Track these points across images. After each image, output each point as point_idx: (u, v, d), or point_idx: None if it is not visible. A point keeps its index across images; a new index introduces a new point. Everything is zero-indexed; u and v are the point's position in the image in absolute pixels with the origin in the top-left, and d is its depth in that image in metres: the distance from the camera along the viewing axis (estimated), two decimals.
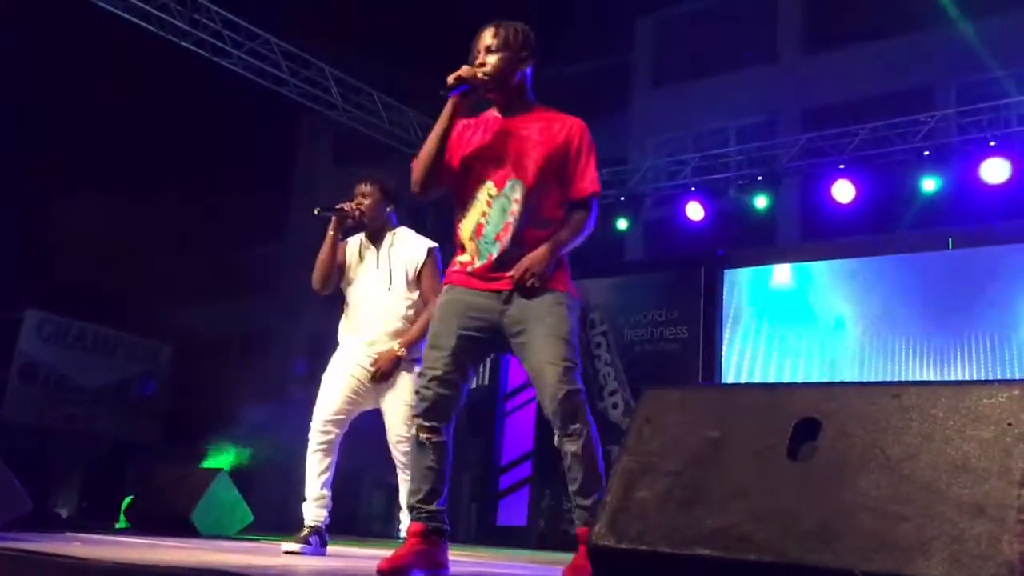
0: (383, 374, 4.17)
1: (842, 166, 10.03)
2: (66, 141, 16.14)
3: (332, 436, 4.22)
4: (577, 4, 14.99)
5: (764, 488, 1.82)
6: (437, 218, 18.45)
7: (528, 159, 3.05)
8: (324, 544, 4.19)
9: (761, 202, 10.64)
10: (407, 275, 4.34)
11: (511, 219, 3.03)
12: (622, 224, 11.14)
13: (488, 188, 3.07)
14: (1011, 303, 8.73)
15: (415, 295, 4.35)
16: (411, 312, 4.34)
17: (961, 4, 12.40)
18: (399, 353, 4.19)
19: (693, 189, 10.87)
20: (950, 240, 9.27)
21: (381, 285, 4.33)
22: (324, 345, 4.99)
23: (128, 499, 8.13)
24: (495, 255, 3.03)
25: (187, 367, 16.68)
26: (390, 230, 4.46)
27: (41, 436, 13.64)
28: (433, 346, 3.05)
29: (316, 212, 4.36)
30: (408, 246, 4.41)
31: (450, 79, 3.06)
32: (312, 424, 4.24)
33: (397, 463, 4.21)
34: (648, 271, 11.37)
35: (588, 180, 3.09)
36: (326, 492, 4.21)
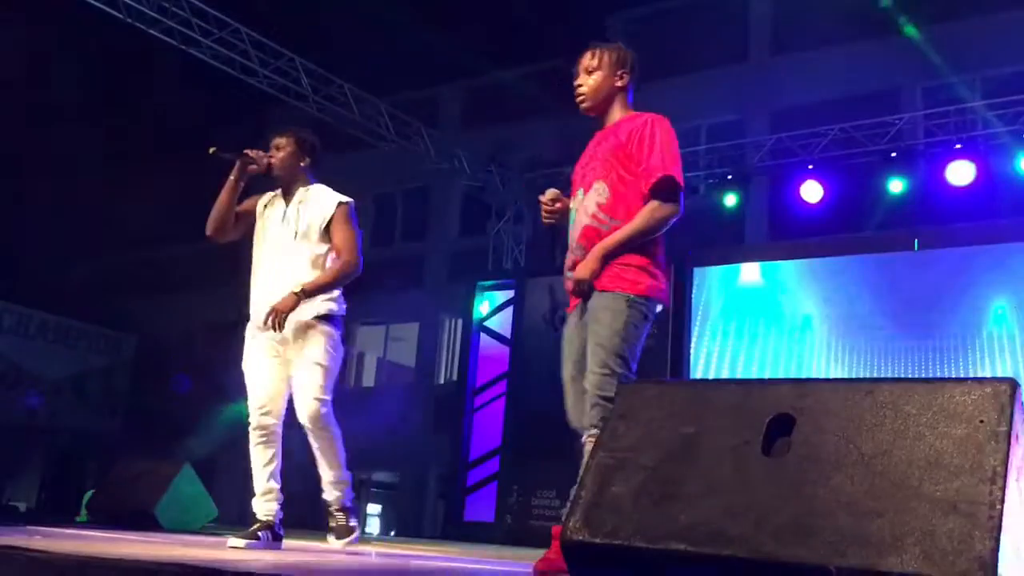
0: (277, 321, 3.77)
1: (811, 166, 10.13)
2: (32, 131, 15.88)
3: (270, 426, 3.97)
4: (544, 3, 15.00)
5: (738, 484, 1.82)
6: (406, 211, 18.37)
7: (600, 160, 3.14)
8: (278, 539, 3.95)
9: (730, 200, 10.71)
10: (316, 229, 3.98)
11: (585, 220, 3.10)
12: None
13: (578, 196, 3.20)
14: (976, 303, 8.85)
15: (326, 251, 4.00)
16: (319, 272, 3.98)
17: (924, 9, 12.56)
18: (296, 293, 3.81)
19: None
20: (916, 241, 9.39)
21: (286, 238, 3.99)
22: None
23: (89, 493, 8.01)
24: (573, 260, 3.11)
25: (150, 359, 16.48)
26: (303, 186, 4.11)
27: (0, 429, 13.41)
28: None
29: (211, 152, 3.95)
30: (319, 201, 4.05)
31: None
32: (249, 418, 4.00)
33: (313, 442, 3.95)
34: None
35: (654, 166, 3.02)
36: (274, 485, 3.97)
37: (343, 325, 4.07)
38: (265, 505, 3.97)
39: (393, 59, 15.90)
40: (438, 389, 16.38)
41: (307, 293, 3.85)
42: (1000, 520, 1.55)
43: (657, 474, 1.91)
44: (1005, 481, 1.60)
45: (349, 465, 4.07)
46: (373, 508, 19.20)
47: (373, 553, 4.43)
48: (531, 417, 10.38)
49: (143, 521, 6.25)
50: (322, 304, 3.94)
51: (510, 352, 11.17)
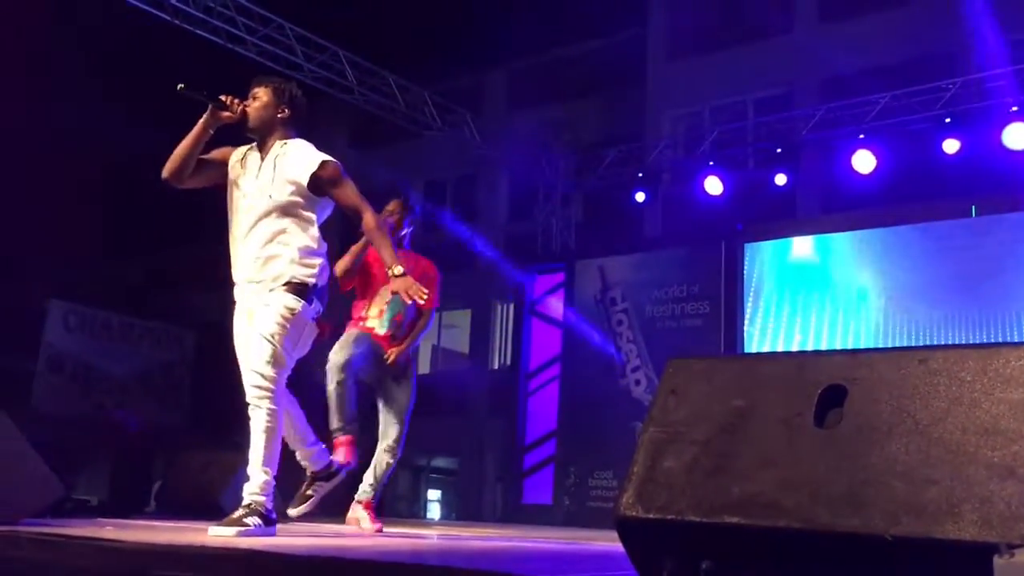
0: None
1: (862, 136, 9.94)
2: (83, 131, 16.23)
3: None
4: None
5: (791, 456, 1.82)
6: (455, 198, 18.44)
7: None
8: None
9: (780, 175, 10.57)
10: (296, 185, 3.64)
11: None
12: (640, 198, 11.12)
13: None
14: None
15: (307, 217, 3.68)
16: (298, 238, 3.66)
17: None
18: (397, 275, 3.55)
19: (711, 163, 10.80)
20: (973, 207, 9.17)
21: (261, 195, 3.66)
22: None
23: (157, 484, 8.22)
24: None
25: (210, 352, 16.81)
26: (281, 139, 3.77)
27: (69, 425, 13.80)
28: None
29: (179, 88, 3.61)
30: (299, 154, 3.70)
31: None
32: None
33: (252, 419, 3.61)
34: (667, 247, 11.32)
35: None
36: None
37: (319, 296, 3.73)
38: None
39: (436, 47, 15.93)
40: (492, 374, 16.46)
41: (397, 274, 3.58)
42: None
43: (709, 448, 1.92)
44: None
45: (411, 452, 4.10)
46: (433, 494, 19.40)
47: (435, 536, 4.50)
48: (585, 399, 10.40)
49: (209, 510, 6.40)
50: (291, 268, 3.63)
51: (562, 335, 11.18)
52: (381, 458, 4.91)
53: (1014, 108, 9.10)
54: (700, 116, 14.33)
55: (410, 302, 3.81)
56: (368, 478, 4.92)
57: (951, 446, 1.66)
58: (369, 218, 3.71)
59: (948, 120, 9.46)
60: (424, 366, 18.75)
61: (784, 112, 11.51)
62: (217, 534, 3.33)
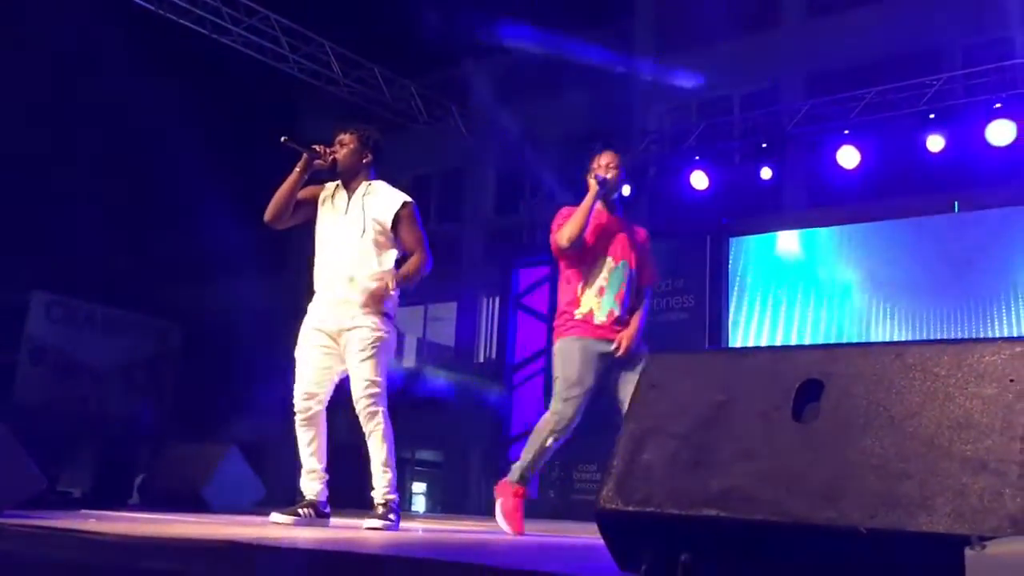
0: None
1: (847, 131, 9.99)
2: (67, 121, 16.12)
3: (312, 411, 4.14)
4: None
5: (769, 449, 1.84)
6: (441, 191, 18.42)
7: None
8: (323, 516, 4.12)
9: (766, 170, 10.61)
10: (381, 224, 4.16)
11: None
12: (625, 190, 11.11)
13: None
14: (1018, 265, 8.71)
15: (389, 250, 4.19)
16: (383, 267, 4.15)
17: None
18: (390, 287, 4.05)
19: (697, 158, 10.83)
20: (956, 203, 9.24)
21: (354, 231, 4.15)
22: None
23: (140, 477, 8.21)
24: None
25: (196, 347, 16.76)
26: (365, 180, 4.27)
27: (52, 417, 13.74)
28: None
29: (283, 140, 4.08)
30: (384, 197, 4.22)
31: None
32: (294, 399, 4.18)
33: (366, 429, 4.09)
34: (652, 241, 11.32)
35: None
36: (317, 466, 4.15)
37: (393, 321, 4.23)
38: (308, 484, 4.16)
39: (423, 39, 15.89)
40: (478, 367, 16.47)
41: (398, 282, 4.09)
42: None
43: (688, 442, 1.93)
44: None
45: (395, 444, 4.18)
46: (418, 487, 19.42)
47: (420, 529, 4.51)
48: None
49: (192, 503, 6.40)
50: (387, 302, 4.11)
51: (547, 328, 11.20)
52: None
53: (998, 105, 9.17)
54: (686, 110, 14.35)
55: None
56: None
57: (925, 440, 1.68)
58: (420, 259, 4.18)
59: (932, 116, 9.52)
60: (410, 359, 18.76)
61: (770, 107, 11.55)
62: (371, 526, 3.94)
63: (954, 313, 8.90)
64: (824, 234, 10.07)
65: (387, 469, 4.10)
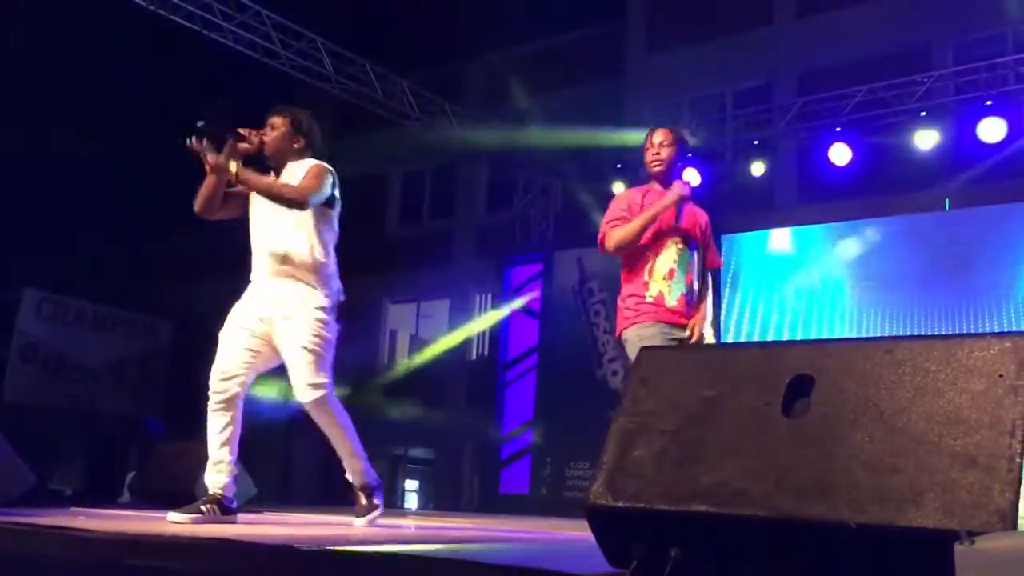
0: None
1: (839, 129, 10.00)
2: (62, 116, 16.07)
3: (228, 394, 3.81)
4: None
5: (759, 445, 1.84)
6: (433, 188, 18.40)
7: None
8: (225, 512, 3.72)
9: (758, 167, 10.62)
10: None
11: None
12: (618, 189, 11.11)
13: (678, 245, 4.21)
14: (1009, 262, 8.74)
15: (316, 226, 3.88)
16: (309, 247, 3.85)
17: None
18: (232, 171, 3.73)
19: (690, 155, 10.83)
20: (947, 201, 9.27)
21: (270, 210, 3.86)
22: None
23: (131, 475, 8.18)
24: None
25: (187, 344, 16.70)
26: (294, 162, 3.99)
27: (43, 415, 13.69)
28: None
29: (198, 125, 3.77)
30: (301, 168, 3.92)
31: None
32: (210, 382, 3.85)
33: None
34: None
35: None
36: (227, 457, 3.80)
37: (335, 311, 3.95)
38: (213, 477, 3.81)
39: (415, 36, 15.87)
40: (470, 364, 16.46)
41: (239, 171, 3.77)
42: (1019, 473, 1.56)
43: (678, 437, 1.93)
44: None
45: (388, 441, 4.10)
46: (411, 484, 19.40)
47: (412, 526, 4.50)
48: (562, 389, 10.43)
49: (183, 501, 6.36)
50: (312, 295, 3.84)
51: (540, 325, 11.20)
52: None
53: (989, 102, 9.19)
54: (679, 108, 14.35)
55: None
56: None
57: (915, 435, 1.69)
58: (282, 184, 3.87)
59: (924, 114, 9.54)
60: (402, 356, 18.73)
61: (762, 104, 11.56)
62: (361, 525, 3.89)
63: (945, 310, 8.93)
64: (816, 231, 10.09)
65: (355, 457, 3.95)
